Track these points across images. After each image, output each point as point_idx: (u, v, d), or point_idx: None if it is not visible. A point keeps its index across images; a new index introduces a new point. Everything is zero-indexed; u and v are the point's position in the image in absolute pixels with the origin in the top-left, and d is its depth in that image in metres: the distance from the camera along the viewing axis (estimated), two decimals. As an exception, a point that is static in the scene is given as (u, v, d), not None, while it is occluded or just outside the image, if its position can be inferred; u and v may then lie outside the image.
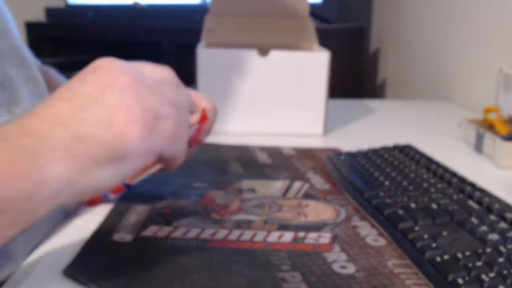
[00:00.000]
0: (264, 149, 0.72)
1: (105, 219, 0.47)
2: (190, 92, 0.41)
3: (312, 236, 0.45)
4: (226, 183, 0.58)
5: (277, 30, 0.86)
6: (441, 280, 0.35)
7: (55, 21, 1.91)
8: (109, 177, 0.31)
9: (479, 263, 0.36)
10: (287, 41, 0.84)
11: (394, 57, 1.57)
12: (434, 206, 0.46)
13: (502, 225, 0.41)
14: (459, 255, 0.37)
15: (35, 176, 0.28)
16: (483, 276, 0.34)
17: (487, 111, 0.77)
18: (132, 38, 1.69)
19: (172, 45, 1.61)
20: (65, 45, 1.98)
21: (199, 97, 0.50)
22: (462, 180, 0.52)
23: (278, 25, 0.86)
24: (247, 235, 0.45)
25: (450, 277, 0.35)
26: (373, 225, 0.47)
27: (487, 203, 0.45)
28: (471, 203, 0.46)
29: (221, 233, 0.45)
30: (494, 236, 0.40)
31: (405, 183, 0.52)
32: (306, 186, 0.58)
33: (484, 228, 0.41)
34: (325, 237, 0.45)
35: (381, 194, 0.50)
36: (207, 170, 0.63)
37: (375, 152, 0.64)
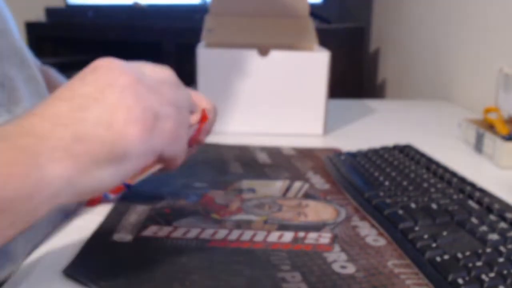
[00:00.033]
0: (264, 149, 0.72)
1: (105, 219, 0.47)
2: (190, 92, 0.41)
3: (312, 236, 0.45)
4: (226, 183, 0.58)
5: (277, 30, 0.86)
6: (441, 280, 0.35)
7: (55, 21, 1.91)
8: (109, 177, 0.31)
9: (479, 263, 0.36)
10: (287, 41, 0.84)
11: (394, 57, 1.57)
12: (434, 206, 0.46)
13: (502, 225, 0.41)
14: (459, 255, 0.37)
15: (35, 176, 0.28)
16: (483, 276, 0.34)
17: (487, 111, 0.77)
18: (132, 38, 1.69)
19: (172, 45, 1.61)
20: (65, 45, 1.98)
21: (199, 97, 0.50)
22: (462, 180, 0.52)
23: (278, 25, 0.86)
24: (247, 235, 0.45)
25: (450, 277, 0.35)
26: (373, 225, 0.47)
27: (487, 203, 0.45)
28: (471, 203, 0.46)
29: (221, 233, 0.45)
30: (494, 236, 0.40)
31: (405, 183, 0.52)
32: (306, 186, 0.58)
33: (484, 228, 0.41)
34: (325, 237, 0.45)
35: (381, 194, 0.50)
36: (207, 170, 0.63)
37: (375, 152, 0.64)
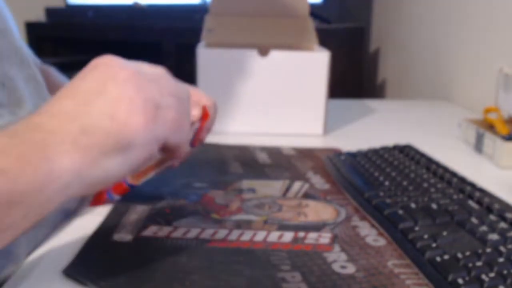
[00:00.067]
0: (264, 149, 0.72)
1: (105, 219, 0.47)
2: (189, 88, 0.41)
3: (312, 236, 0.45)
4: (226, 183, 0.58)
5: (277, 30, 0.86)
6: (441, 280, 0.35)
7: (55, 21, 1.91)
8: (116, 166, 0.32)
9: (479, 263, 0.36)
10: (287, 41, 0.84)
11: (394, 57, 1.57)
12: (434, 206, 0.46)
13: (502, 225, 0.41)
14: (459, 255, 0.37)
15: (45, 169, 0.29)
16: (483, 276, 0.34)
17: (487, 111, 0.77)
18: (132, 38, 1.69)
19: (172, 45, 1.61)
20: (65, 45, 1.98)
21: (199, 94, 0.50)
22: (462, 180, 0.52)
23: (278, 25, 0.86)
24: (247, 235, 0.45)
25: (450, 277, 0.35)
26: (373, 225, 0.47)
27: (487, 203, 0.45)
28: (471, 203, 0.46)
29: (221, 233, 0.45)
30: (494, 236, 0.40)
31: (405, 183, 0.52)
32: (306, 186, 0.58)
33: (484, 228, 0.41)
34: (325, 237, 0.45)
35: (381, 194, 0.50)
36: (207, 170, 0.63)
37: (375, 152, 0.64)
